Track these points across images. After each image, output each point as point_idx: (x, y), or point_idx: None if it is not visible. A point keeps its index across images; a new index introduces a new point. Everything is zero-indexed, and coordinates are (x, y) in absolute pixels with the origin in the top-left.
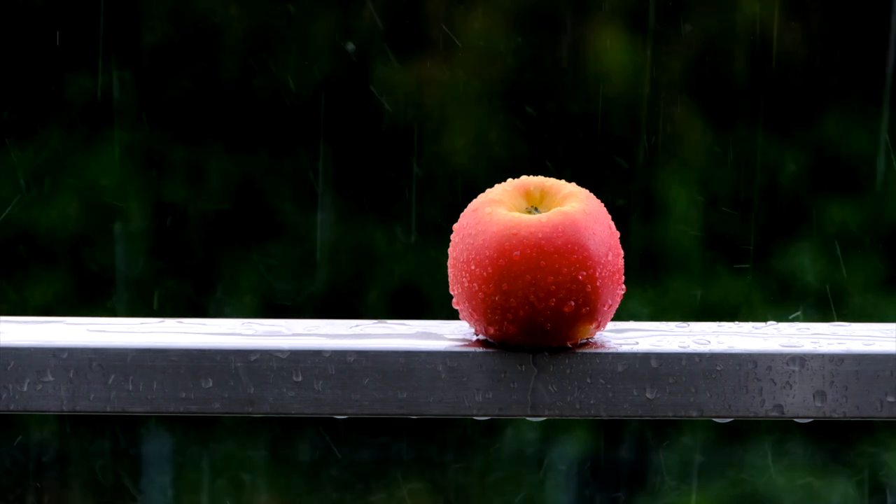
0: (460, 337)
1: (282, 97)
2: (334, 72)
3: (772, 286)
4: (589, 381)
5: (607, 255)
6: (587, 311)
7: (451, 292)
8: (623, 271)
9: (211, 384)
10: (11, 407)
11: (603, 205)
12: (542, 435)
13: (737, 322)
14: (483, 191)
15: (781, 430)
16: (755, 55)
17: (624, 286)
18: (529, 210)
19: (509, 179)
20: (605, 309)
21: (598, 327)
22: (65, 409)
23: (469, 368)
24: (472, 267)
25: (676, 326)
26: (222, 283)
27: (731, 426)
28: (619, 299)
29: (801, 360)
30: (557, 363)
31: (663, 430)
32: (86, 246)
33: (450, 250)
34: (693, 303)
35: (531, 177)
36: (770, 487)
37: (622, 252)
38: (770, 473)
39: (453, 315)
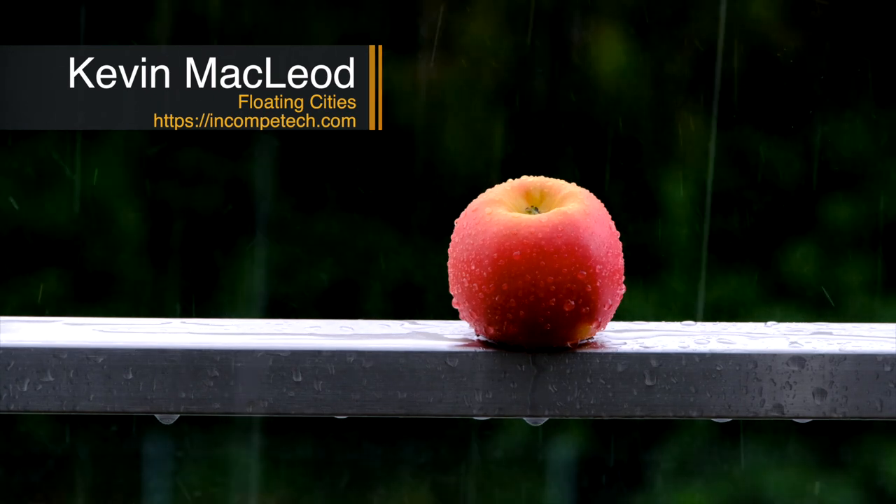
0: (460, 337)
1: None
2: None
3: (772, 286)
4: (589, 381)
5: (607, 255)
6: (587, 310)
7: (451, 292)
8: (623, 271)
9: (211, 384)
10: (11, 407)
11: (603, 205)
12: (541, 435)
13: (737, 322)
14: (483, 191)
15: (781, 430)
16: (755, 54)
17: (624, 286)
18: (529, 210)
19: (509, 179)
20: (605, 309)
21: (598, 327)
22: (65, 409)
23: (469, 368)
24: (472, 267)
25: (676, 326)
26: (222, 282)
27: (730, 426)
28: (619, 299)
29: (801, 360)
30: (557, 363)
31: (663, 430)
32: (85, 246)
33: (450, 250)
34: (693, 303)
35: (531, 177)
36: (769, 488)
37: (622, 252)
38: (769, 474)
39: (453, 315)
